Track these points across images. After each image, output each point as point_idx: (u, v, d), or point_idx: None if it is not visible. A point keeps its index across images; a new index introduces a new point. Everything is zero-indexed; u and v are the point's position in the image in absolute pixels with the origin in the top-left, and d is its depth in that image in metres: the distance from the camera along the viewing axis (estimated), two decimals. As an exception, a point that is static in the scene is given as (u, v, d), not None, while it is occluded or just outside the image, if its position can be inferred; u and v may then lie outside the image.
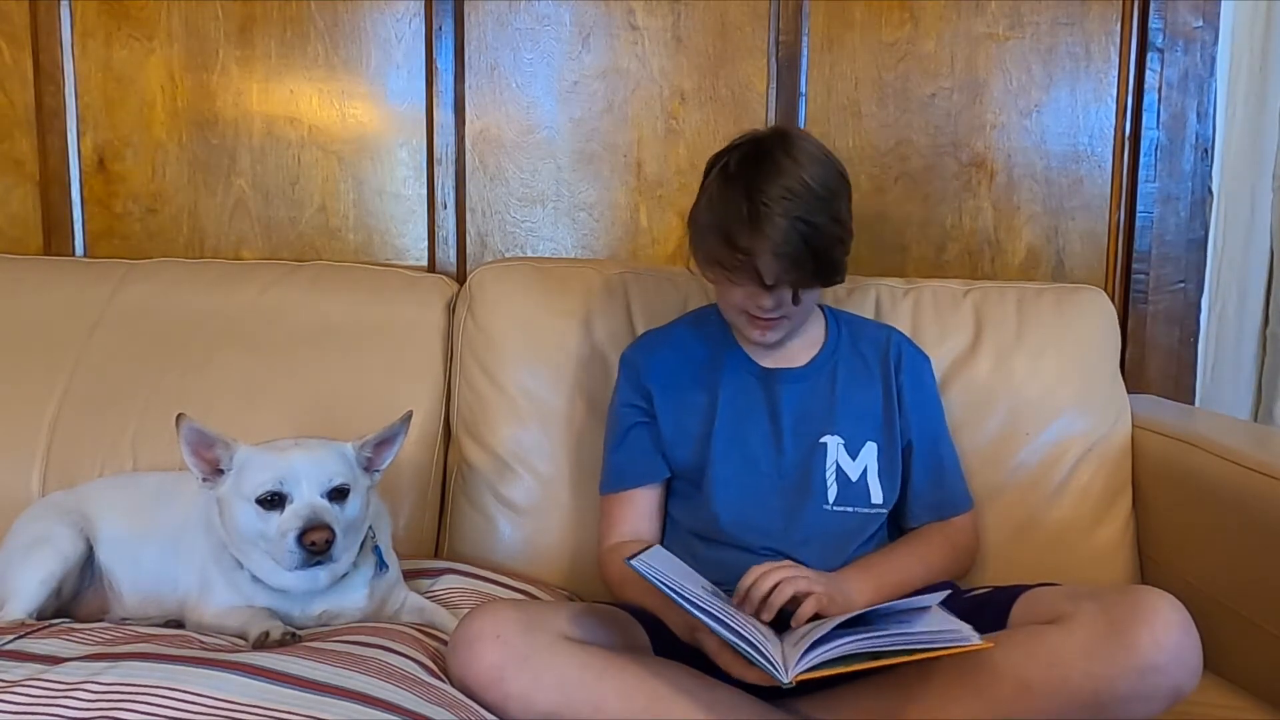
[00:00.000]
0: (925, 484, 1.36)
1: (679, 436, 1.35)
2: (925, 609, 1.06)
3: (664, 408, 1.36)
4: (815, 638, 1.00)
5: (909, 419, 1.35)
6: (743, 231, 1.21)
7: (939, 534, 1.35)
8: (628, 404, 1.38)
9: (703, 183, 1.32)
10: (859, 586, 1.19)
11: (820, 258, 1.23)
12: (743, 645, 1.00)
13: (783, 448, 1.32)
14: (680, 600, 1.03)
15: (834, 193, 1.27)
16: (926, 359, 1.44)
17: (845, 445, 1.32)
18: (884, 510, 1.32)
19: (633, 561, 1.05)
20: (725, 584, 1.17)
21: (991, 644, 0.99)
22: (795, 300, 1.26)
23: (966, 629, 1.01)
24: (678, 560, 1.19)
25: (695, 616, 1.03)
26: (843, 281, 1.32)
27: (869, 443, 1.32)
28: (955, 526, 1.36)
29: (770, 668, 0.98)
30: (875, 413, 1.35)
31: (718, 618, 1.02)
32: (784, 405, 1.33)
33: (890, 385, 1.36)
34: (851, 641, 1.00)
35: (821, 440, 1.32)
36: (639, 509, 1.35)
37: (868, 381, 1.37)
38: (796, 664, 0.98)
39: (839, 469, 1.31)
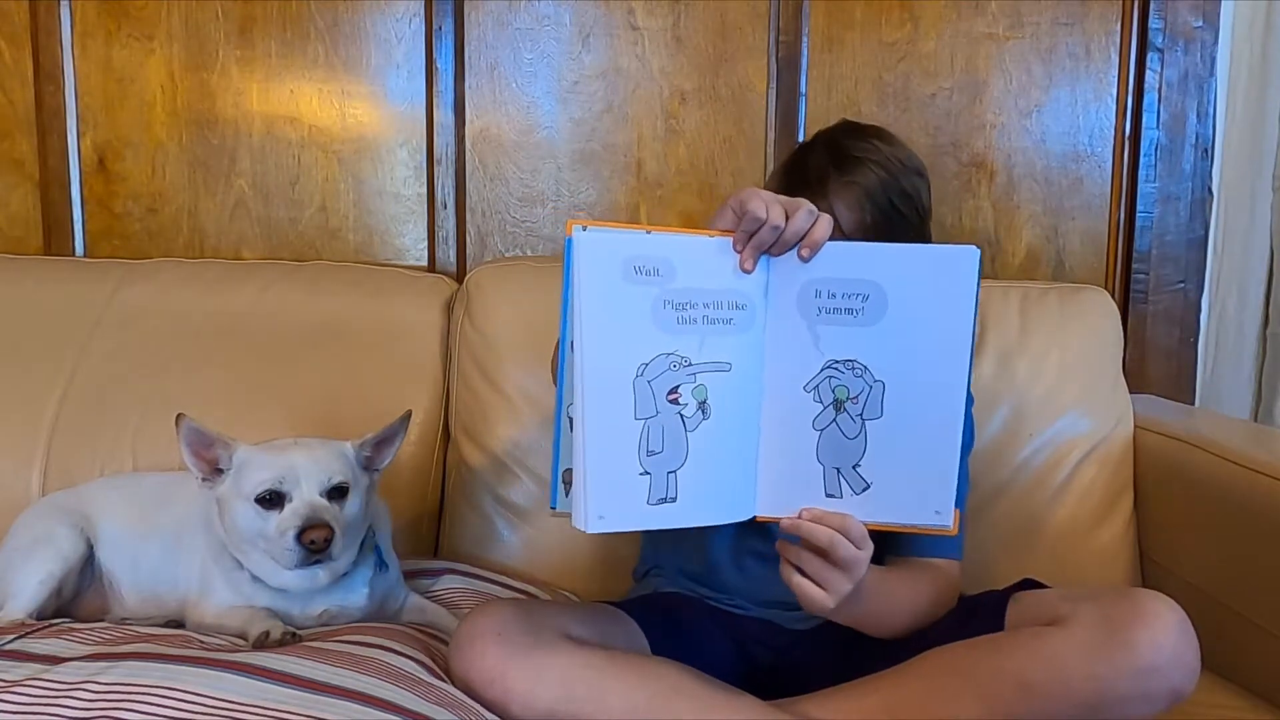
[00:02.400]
0: None
1: None
2: None
3: None
4: None
5: None
6: (827, 174, 1.19)
7: (924, 570, 1.16)
8: None
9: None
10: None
11: (904, 221, 1.19)
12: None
13: None
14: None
15: (919, 173, 1.25)
16: None
17: None
18: None
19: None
20: (715, 585, 1.21)
21: None
22: None
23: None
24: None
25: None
26: None
27: None
28: (943, 571, 1.17)
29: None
30: None
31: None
32: None
33: None
34: None
35: None
36: None
37: None
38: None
39: None
